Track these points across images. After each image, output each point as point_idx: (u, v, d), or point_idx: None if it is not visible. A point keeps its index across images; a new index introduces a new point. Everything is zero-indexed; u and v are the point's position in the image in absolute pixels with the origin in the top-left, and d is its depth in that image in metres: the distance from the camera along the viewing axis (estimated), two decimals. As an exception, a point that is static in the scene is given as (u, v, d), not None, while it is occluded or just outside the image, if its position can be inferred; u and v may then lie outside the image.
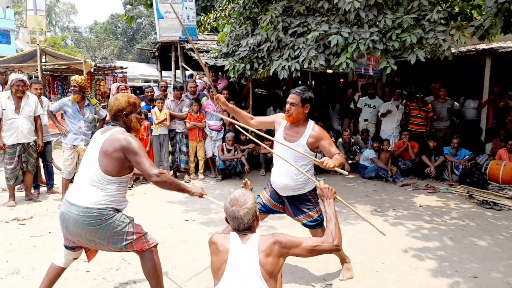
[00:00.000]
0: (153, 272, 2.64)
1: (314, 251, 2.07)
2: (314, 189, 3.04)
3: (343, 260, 3.36)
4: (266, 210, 3.26)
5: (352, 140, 7.87)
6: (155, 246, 2.70)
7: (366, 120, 8.14)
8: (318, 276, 3.36)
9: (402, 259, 3.73)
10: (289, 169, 2.94)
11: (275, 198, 3.19)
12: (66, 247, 2.68)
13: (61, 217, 2.52)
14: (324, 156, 2.90)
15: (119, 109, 2.61)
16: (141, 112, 2.78)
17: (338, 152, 2.89)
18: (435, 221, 4.86)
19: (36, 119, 5.33)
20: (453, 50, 5.62)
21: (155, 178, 2.44)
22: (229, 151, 7.01)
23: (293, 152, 2.90)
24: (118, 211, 2.57)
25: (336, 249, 2.14)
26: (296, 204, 3.08)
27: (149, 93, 7.28)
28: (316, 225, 3.09)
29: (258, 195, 3.27)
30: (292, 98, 2.94)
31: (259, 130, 3.13)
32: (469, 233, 4.43)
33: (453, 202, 5.73)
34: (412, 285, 3.21)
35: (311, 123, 3.05)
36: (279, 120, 3.17)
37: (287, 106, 2.96)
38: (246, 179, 2.54)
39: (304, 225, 3.12)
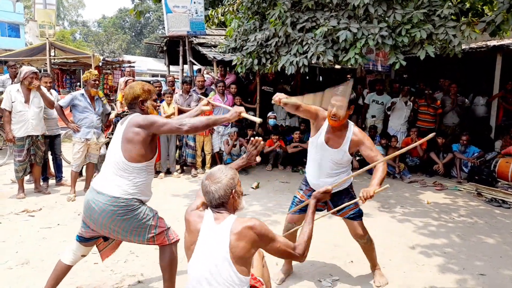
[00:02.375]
0: (169, 266, 2.66)
1: (283, 254, 2.03)
2: (350, 185, 3.11)
3: (375, 265, 3.25)
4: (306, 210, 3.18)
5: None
6: (176, 242, 2.70)
7: (373, 116, 8.09)
8: (325, 271, 3.36)
9: (409, 256, 3.71)
10: (328, 171, 2.96)
11: None
12: (80, 239, 2.68)
13: (86, 205, 2.53)
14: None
15: (135, 97, 2.65)
16: (157, 99, 2.81)
17: (377, 154, 2.80)
18: (443, 218, 4.83)
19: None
20: (463, 46, 5.55)
21: (183, 128, 2.47)
22: (234, 146, 7.02)
23: (333, 154, 2.90)
24: (143, 203, 2.59)
25: (302, 259, 2.07)
26: (337, 199, 3.01)
27: (157, 88, 7.30)
28: (358, 216, 3.07)
29: (295, 196, 3.24)
30: (339, 100, 2.75)
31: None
32: (477, 231, 4.40)
33: (461, 200, 5.69)
34: (419, 282, 3.20)
35: (351, 125, 2.95)
36: (322, 117, 2.97)
37: (334, 109, 2.76)
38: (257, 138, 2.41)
39: (348, 218, 3.07)
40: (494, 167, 6.56)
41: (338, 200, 3.00)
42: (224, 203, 1.95)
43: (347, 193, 3.08)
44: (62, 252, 2.77)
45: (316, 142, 2.97)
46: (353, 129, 2.93)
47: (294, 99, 2.76)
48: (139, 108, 2.68)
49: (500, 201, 5.51)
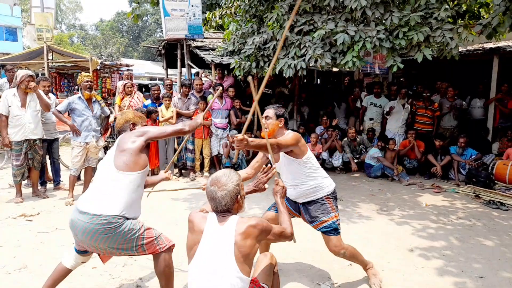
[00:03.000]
0: (164, 273, 2.64)
1: (280, 237, 2.12)
2: (331, 193, 3.02)
3: (366, 265, 3.20)
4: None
5: (358, 139, 7.85)
6: (169, 248, 2.66)
7: (371, 119, 8.11)
8: (324, 275, 3.36)
9: (408, 259, 3.71)
10: (292, 180, 2.96)
11: (291, 205, 3.16)
12: (77, 251, 2.68)
13: (70, 224, 2.53)
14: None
15: (127, 120, 2.86)
16: (146, 125, 3.00)
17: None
18: (441, 221, 4.84)
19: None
20: (460, 49, 5.58)
21: (185, 128, 2.80)
22: (232, 148, 7.02)
23: (290, 164, 2.92)
24: (127, 218, 2.52)
25: (291, 237, 2.21)
26: (311, 210, 3.01)
27: (156, 91, 7.30)
28: (331, 232, 2.95)
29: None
30: (267, 112, 2.95)
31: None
32: (475, 233, 4.41)
33: (460, 202, 5.69)
34: (418, 285, 3.20)
35: (286, 132, 2.96)
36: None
37: (262, 120, 2.76)
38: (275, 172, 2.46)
39: (321, 231, 3.01)
40: (492, 169, 6.58)
41: (312, 210, 3.01)
42: (230, 209, 1.98)
43: (321, 204, 2.98)
44: (64, 255, 2.76)
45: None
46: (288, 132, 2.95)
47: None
48: (129, 131, 2.83)
49: (498, 203, 5.51)
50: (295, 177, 2.95)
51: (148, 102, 7.35)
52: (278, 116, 2.96)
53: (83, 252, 2.68)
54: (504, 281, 3.27)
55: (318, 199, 2.99)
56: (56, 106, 5.93)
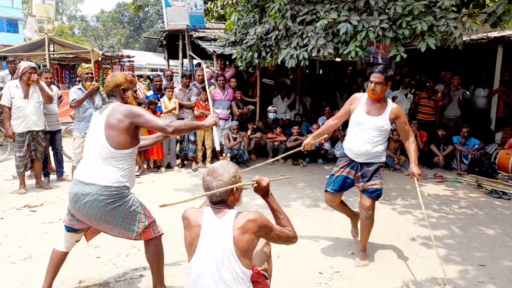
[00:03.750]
0: (156, 259, 2.69)
1: (281, 238, 2.05)
2: (383, 163, 3.43)
3: (364, 247, 3.47)
4: (341, 187, 3.48)
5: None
6: (161, 235, 2.75)
7: (374, 109, 8.07)
8: (326, 263, 3.38)
9: (410, 247, 3.73)
10: (369, 137, 3.30)
11: (350, 165, 3.46)
12: (68, 229, 2.70)
13: (74, 198, 2.53)
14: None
15: (117, 84, 2.69)
16: (137, 90, 2.88)
17: (410, 129, 3.39)
18: (443, 210, 4.85)
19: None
20: (464, 38, 5.53)
21: (168, 129, 2.54)
22: (234, 139, 7.03)
23: (376, 123, 3.28)
24: (129, 190, 2.62)
25: (296, 239, 2.13)
26: (368, 170, 3.35)
27: (158, 82, 7.29)
28: (376, 195, 3.33)
29: (332, 174, 3.54)
30: (377, 77, 3.23)
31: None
32: (477, 222, 4.42)
33: (462, 191, 5.70)
34: (420, 273, 3.22)
35: (389, 101, 3.40)
36: (354, 100, 3.46)
37: (372, 85, 3.25)
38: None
39: (368, 192, 3.33)
40: (495, 159, 6.57)
41: (369, 171, 3.35)
42: (224, 200, 1.95)
43: (377, 169, 3.36)
44: (57, 243, 2.78)
45: (356, 116, 3.37)
46: (392, 104, 3.37)
47: (319, 133, 3.67)
48: (119, 97, 2.71)
49: (500, 192, 5.52)
50: (379, 135, 3.30)
51: (150, 93, 7.33)
52: (387, 80, 3.26)
53: (74, 230, 2.71)
54: (505, 269, 3.29)
55: (377, 163, 3.36)
56: (58, 97, 5.95)
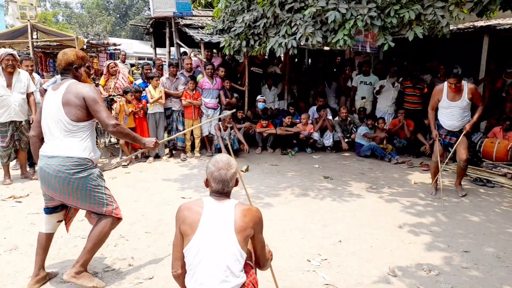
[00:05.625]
0: (98, 237, 2.71)
1: (262, 249, 2.12)
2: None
3: (459, 183, 5.16)
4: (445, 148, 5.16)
5: (349, 119, 7.88)
6: (118, 219, 2.81)
7: (363, 98, 8.12)
8: (314, 251, 3.41)
9: (397, 235, 3.79)
10: (461, 114, 4.85)
11: (451, 135, 5.02)
12: (47, 210, 2.75)
13: (40, 173, 2.59)
14: None
15: (69, 63, 2.69)
16: (90, 67, 2.92)
17: (480, 101, 4.89)
18: (429, 198, 4.93)
19: (29, 95, 5.26)
20: (451, 27, 5.55)
21: (111, 128, 2.60)
22: (225, 129, 6.99)
23: (459, 104, 4.83)
24: (94, 165, 2.70)
25: (264, 267, 2.22)
26: (460, 134, 4.91)
27: (147, 71, 7.17)
28: (469, 147, 5.01)
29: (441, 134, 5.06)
30: (454, 80, 4.70)
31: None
32: (462, 209, 4.50)
33: (447, 179, 5.79)
34: (406, 260, 3.28)
35: (464, 83, 4.81)
36: (438, 92, 5.00)
37: (452, 86, 4.75)
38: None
39: (462, 145, 4.85)
40: (479, 148, 6.67)
41: (459, 134, 4.90)
42: (230, 190, 2.08)
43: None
44: (41, 226, 2.84)
45: (444, 104, 4.92)
46: (468, 84, 4.81)
47: (431, 121, 5.20)
48: (73, 75, 2.71)
49: (485, 180, 5.63)
50: (464, 111, 4.85)
51: (139, 81, 7.22)
52: (460, 78, 4.75)
53: (53, 210, 2.75)
54: (488, 255, 3.37)
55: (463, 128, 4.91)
56: (40, 85, 5.81)
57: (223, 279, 1.88)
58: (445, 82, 4.89)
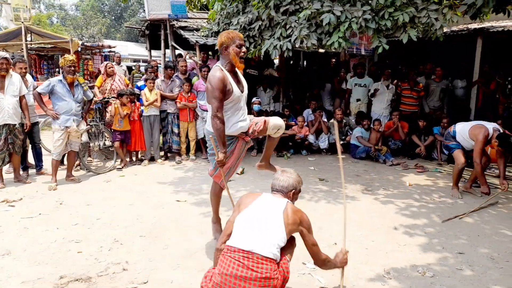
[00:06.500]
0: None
1: (314, 247, 2.45)
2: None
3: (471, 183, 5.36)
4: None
5: (344, 121, 7.89)
6: None
7: (358, 100, 8.12)
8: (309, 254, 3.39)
9: (392, 237, 3.80)
10: None
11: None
12: None
13: None
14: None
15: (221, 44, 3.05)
16: (241, 46, 3.06)
17: None
18: (424, 199, 4.94)
19: (21, 99, 5.22)
20: (444, 30, 5.60)
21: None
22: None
23: None
24: None
25: (320, 264, 2.60)
26: None
27: (152, 73, 7.13)
28: None
29: None
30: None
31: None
32: (457, 211, 4.52)
33: (442, 181, 5.82)
34: (401, 261, 3.28)
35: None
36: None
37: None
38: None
39: None
40: (474, 149, 6.68)
41: None
42: (288, 190, 2.50)
43: None
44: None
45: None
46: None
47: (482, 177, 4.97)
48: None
49: (479, 182, 5.64)
50: None
51: (141, 83, 7.19)
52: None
53: None
54: (482, 256, 3.38)
55: None
56: (34, 88, 5.77)
57: (261, 243, 2.19)
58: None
